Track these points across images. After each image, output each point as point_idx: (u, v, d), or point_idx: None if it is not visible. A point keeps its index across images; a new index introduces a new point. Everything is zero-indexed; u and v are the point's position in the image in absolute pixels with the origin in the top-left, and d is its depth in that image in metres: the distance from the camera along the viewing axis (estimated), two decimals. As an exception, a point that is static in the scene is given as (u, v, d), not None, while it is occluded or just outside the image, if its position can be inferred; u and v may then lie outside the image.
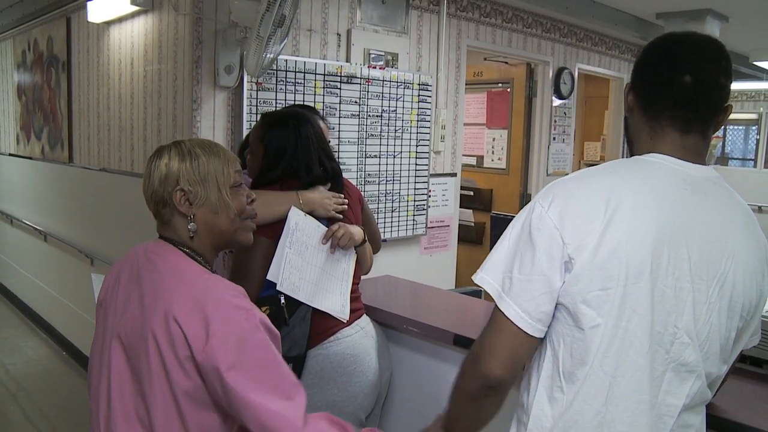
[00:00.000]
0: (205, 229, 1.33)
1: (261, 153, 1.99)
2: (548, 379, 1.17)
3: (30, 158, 5.38)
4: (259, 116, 2.91)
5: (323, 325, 1.90)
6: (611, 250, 1.09)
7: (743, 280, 1.17)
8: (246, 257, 1.85)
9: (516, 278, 1.14)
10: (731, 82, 1.19)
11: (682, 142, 1.20)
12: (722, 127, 9.08)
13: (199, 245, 1.34)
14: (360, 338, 1.96)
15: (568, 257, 1.11)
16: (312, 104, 3.27)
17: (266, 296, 1.86)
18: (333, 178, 2.03)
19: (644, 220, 1.11)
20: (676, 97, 1.19)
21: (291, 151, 1.95)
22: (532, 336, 1.14)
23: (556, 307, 1.14)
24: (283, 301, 1.85)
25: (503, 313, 1.14)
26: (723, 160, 9.33)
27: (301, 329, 1.85)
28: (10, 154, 5.90)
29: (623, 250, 1.09)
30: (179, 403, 1.20)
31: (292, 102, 3.18)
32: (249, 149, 2.08)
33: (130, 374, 1.25)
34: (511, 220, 1.22)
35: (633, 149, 1.28)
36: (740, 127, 9.65)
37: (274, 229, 1.87)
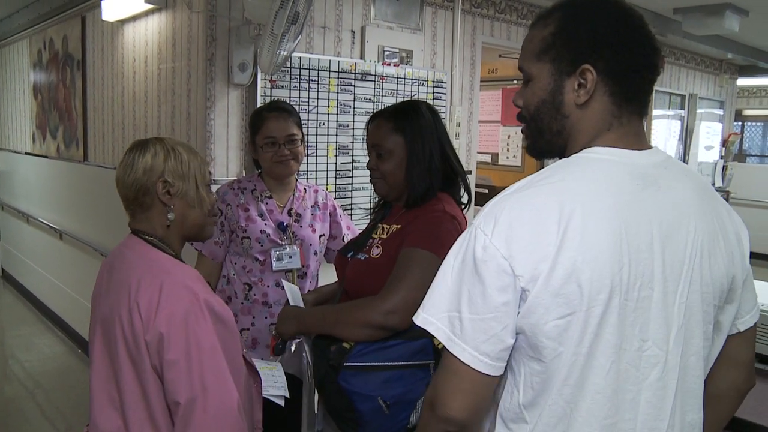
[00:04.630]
0: (180, 221, 1.45)
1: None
2: (507, 411, 1.07)
3: (46, 157, 5.41)
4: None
5: None
6: (567, 274, 0.96)
7: (710, 265, 1.07)
8: (418, 271, 1.58)
9: (467, 318, 0.99)
10: None
11: (633, 128, 1.09)
12: (740, 122, 9.05)
13: (169, 236, 1.46)
14: None
15: (522, 290, 0.98)
16: (325, 101, 3.26)
17: None
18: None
19: (598, 233, 0.98)
20: (653, 79, 1.08)
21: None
22: (493, 375, 1.02)
23: (516, 335, 1.02)
24: None
25: (457, 357, 1.00)
26: (741, 156, 9.20)
27: None
28: (27, 153, 5.95)
29: (580, 271, 0.96)
30: (143, 383, 1.29)
31: (306, 99, 3.17)
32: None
33: (107, 359, 1.35)
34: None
35: (567, 146, 1.11)
36: (759, 124, 9.50)
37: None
